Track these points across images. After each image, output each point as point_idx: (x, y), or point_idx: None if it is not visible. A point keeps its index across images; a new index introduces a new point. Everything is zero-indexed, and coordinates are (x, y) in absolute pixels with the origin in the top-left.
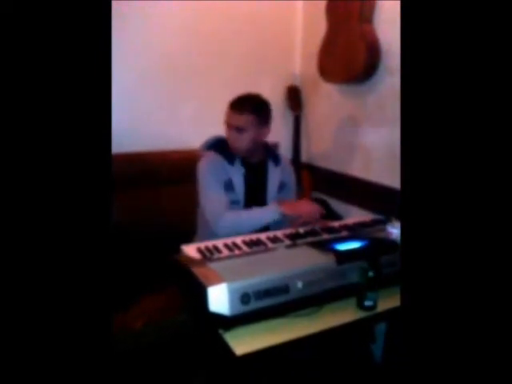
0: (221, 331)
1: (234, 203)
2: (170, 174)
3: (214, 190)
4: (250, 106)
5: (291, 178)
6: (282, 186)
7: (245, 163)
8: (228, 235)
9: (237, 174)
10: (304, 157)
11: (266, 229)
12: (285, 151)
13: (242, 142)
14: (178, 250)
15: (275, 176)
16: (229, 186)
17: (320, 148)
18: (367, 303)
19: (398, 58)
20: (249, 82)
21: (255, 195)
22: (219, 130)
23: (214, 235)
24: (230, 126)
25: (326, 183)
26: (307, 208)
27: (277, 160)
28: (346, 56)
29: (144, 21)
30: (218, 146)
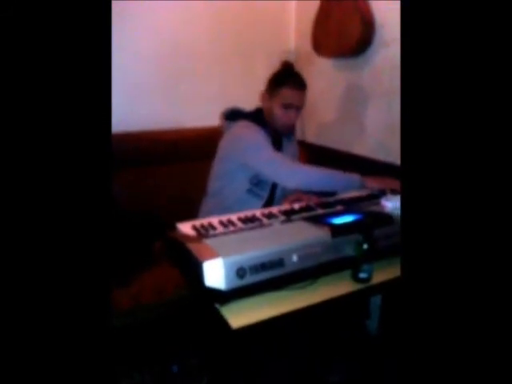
0: (217, 305)
1: None
2: (165, 153)
3: (268, 147)
4: (306, 82)
5: (296, 156)
6: None
7: (270, 135)
8: (300, 186)
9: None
10: (299, 134)
11: (269, 204)
12: None
13: (296, 119)
14: (174, 228)
15: (288, 151)
16: None
17: (315, 124)
18: (362, 275)
19: (393, 30)
20: (243, 59)
21: None
22: (215, 108)
23: (221, 211)
24: (291, 106)
25: (321, 160)
26: (392, 182)
27: (290, 135)
28: (341, 28)
29: (142, 2)
30: (246, 116)
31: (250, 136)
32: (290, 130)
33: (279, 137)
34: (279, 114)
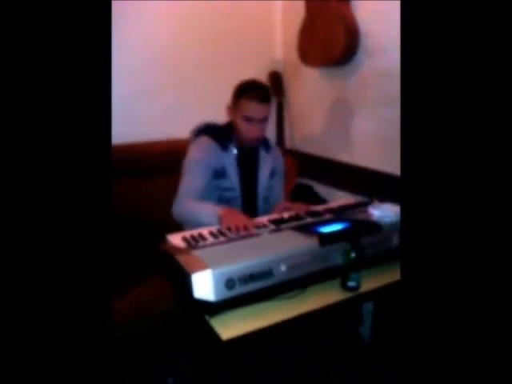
0: (207, 317)
1: (228, 190)
2: (153, 165)
3: (192, 174)
4: (270, 95)
5: (281, 166)
6: (272, 174)
7: (238, 149)
8: (176, 219)
9: (230, 161)
10: (288, 143)
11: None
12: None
13: (262, 131)
14: (164, 240)
15: (267, 163)
16: (221, 174)
17: (303, 133)
18: (351, 284)
19: (377, 39)
20: (230, 70)
21: (248, 182)
22: (201, 118)
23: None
24: (253, 119)
25: (311, 168)
26: (234, 221)
27: (268, 147)
28: (326, 38)
29: (131, 12)
30: (210, 131)
31: (188, 156)
32: (256, 143)
33: (251, 149)
34: (242, 127)
